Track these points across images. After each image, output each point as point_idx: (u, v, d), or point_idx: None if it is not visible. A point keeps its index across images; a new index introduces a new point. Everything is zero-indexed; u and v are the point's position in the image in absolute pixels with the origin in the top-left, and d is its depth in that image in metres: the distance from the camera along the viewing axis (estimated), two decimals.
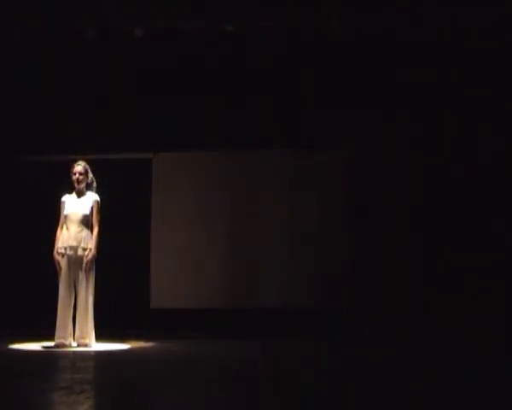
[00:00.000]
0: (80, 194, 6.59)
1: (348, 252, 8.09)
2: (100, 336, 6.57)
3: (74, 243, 6.44)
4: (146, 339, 7.07)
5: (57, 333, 6.35)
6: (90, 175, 6.67)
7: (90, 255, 6.41)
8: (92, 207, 6.54)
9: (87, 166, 6.66)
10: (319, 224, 8.21)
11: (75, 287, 6.44)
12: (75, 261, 6.43)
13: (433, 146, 8.06)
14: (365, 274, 7.94)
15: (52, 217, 6.66)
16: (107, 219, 6.65)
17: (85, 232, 6.49)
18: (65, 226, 6.51)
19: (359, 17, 7.78)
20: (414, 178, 8.06)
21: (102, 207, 6.61)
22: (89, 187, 6.66)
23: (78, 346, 6.36)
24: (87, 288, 6.41)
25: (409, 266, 7.84)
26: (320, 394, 3.94)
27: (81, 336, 6.38)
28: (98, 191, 6.66)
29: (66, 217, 6.51)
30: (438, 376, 4.71)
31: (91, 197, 6.58)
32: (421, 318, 7.55)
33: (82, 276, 6.41)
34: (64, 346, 6.30)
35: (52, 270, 6.47)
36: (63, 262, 6.42)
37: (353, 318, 7.76)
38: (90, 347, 6.36)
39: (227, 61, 8.31)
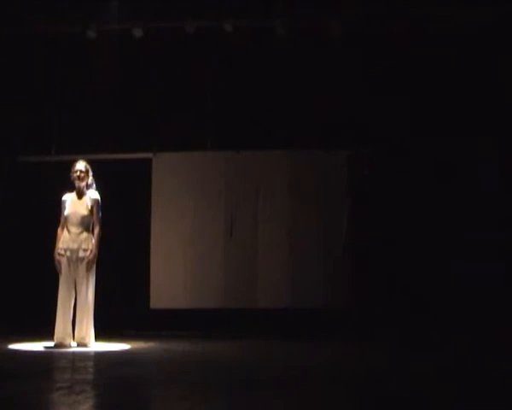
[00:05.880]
0: (81, 194, 6.58)
1: (348, 252, 8.08)
2: (100, 336, 6.57)
3: (75, 246, 6.44)
4: (146, 339, 7.07)
5: (57, 333, 6.36)
6: (91, 176, 6.66)
7: (91, 255, 6.42)
8: (92, 207, 6.54)
9: (88, 166, 6.66)
10: (319, 224, 8.20)
11: (75, 287, 6.44)
12: (76, 261, 6.43)
13: (433, 145, 8.06)
14: (365, 274, 7.94)
15: (52, 217, 6.65)
16: (106, 220, 6.65)
17: (85, 234, 6.48)
18: (65, 227, 6.51)
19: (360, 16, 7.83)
20: (414, 177, 8.06)
21: (103, 208, 6.60)
22: (89, 188, 6.65)
23: (78, 346, 6.36)
24: (87, 288, 6.41)
25: (409, 266, 7.83)
26: (320, 394, 3.94)
27: (81, 336, 6.38)
28: (98, 192, 6.65)
29: (66, 218, 6.51)
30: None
31: (91, 197, 6.57)
32: (420, 317, 7.56)
33: (82, 276, 6.41)
34: (64, 346, 6.30)
35: (52, 270, 6.47)
36: (63, 262, 6.43)
37: (353, 318, 7.77)
38: (89, 347, 6.36)
39: (227, 60, 8.31)
